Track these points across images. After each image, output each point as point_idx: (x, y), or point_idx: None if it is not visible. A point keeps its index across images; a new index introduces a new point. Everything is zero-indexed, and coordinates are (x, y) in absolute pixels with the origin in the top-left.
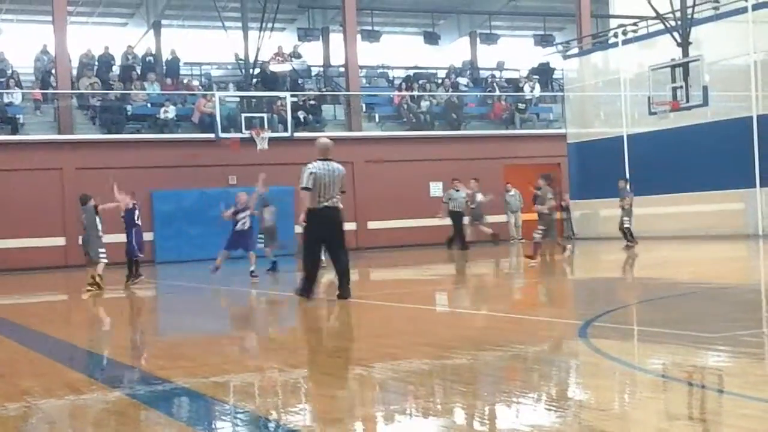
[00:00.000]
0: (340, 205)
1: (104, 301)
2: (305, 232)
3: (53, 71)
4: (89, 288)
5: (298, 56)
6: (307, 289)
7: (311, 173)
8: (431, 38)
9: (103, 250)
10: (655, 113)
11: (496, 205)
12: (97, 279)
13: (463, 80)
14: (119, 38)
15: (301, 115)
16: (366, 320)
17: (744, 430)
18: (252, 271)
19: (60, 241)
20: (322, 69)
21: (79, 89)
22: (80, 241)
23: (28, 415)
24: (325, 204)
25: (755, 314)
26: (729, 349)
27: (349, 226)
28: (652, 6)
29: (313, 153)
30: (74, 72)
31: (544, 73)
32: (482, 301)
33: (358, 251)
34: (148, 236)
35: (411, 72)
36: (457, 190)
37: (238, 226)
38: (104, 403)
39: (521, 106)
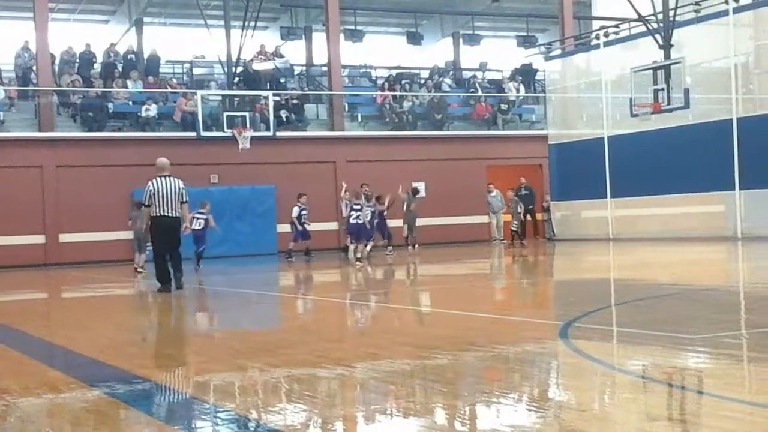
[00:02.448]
0: (179, 214)
1: (84, 300)
2: (152, 237)
3: (34, 68)
4: (139, 271)
5: (281, 55)
6: (165, 282)
7: (149, 190)
8: (414, 38)
9: (149, 244)
10: (636, 115)
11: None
12: (142, 265)
13: (446, 81)
14: (101, 36)
15: (283, 114)
16: (346, 320)
17: (723, 431)
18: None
19: (39, 239)
20: (304, 68)
21: (60, 86)
22: (132, 237)
23: (6, 413)
24: (163, 214)
25: (735, 316)
26: (709, 351)
27: (330, 225)
28: (634, 8)
29: (295, 152)
30: (55, 69)
31: (526, 75)
32: (463, 302)
33: (339, 251)
34: (128, 234)
35: (394, 72)
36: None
37: (352, 220)
38: (83, 402)
39: (504, 107)
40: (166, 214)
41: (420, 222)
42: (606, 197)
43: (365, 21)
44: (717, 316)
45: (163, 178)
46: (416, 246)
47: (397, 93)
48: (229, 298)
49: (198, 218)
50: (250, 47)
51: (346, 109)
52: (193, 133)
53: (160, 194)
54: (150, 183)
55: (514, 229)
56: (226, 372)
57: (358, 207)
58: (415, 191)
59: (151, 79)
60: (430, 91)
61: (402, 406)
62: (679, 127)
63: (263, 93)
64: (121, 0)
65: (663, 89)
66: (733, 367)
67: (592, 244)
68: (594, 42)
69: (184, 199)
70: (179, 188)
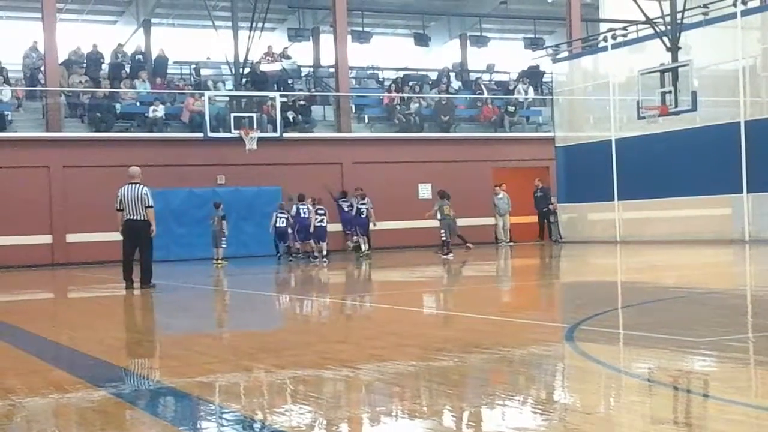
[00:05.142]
0: (144, 217)
1: (91, 300)
2: (122, 238)
3: (42, 68)
4: (219, 263)
5: (288, 57)
6: (127, 281)
7: (117, 196)
8: (421, 40)
9: (224, 239)
10: (643, 118)
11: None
12: (221, 258)
13: (456, 83)
14: (109, 36)
15: (290, 115)
16: (353, 321)
17: None
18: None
19: (47, 239)
20: (311, 69)
21: (68, 87)
22: (212, 234)
23: (12, 413)
24: (130, 218)
25: (741, 319)
26: (714, 354)
27: (337, 226)
28: (641, 10)
29: (301, 154)
30: (63, 69)
31: (533, 77)
32: (468, 303)
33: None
34: None
35: (401, 74)
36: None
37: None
38: (89, 402)
39: (511, 109)
40: (131, 217)
41: (426, 223)
42: (613, 200)
43: (373, 22)
44: (723, 319)
45: (131, 186)
46: (449, 253)
47: (405, 95)
48: (235, 299)
49: (280, 217)
50: (257, 48)
51: (353, 110)
52: (200, 134)
53: (127, 200)
54: (119, 190)
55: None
56: (231, 372)
57: (322, 211)
58: (443, 194)
59: (158, 80)
60: (440, 93)
61: (407, 408)
62: (686, 129)
63: (270, 94)
64: (129, 1)
65: (670, 92)
66: (739, 370)
67: (599, 247)
68: (601, 44)
69: (149, 204)
70: (142, 195)
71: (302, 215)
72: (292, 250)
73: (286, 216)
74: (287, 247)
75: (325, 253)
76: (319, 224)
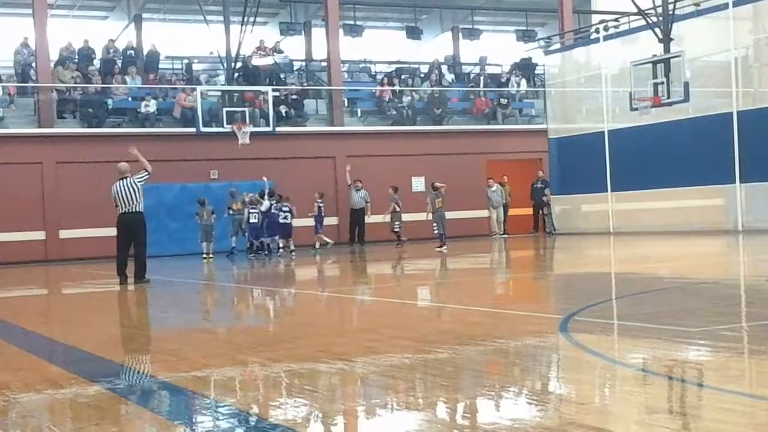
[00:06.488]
0: (137, 210)
1: (84, 296)
2: (117, 233)
3: (33, 64)
4: (210, 257)
5: (280, 51)
6: (121, 276)
7: (112, 194)
8: (413, 33)
9: (213, 233)
10: (636, 109)
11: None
12: (207, 253)
13: (449, 75)
14: (100, 32)
15: (282, 109)
16: (347, 314)
17: (723, 423)
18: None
19: (40, 235)
20: (304, 63)
21: (59, 83)
22: (203, 229)
23: (7, 409)
24: (124, 211)
25: (734, 309)
26: (708, 344)
27: (331, 221)
28: (633, 2)
29: (294, 148)
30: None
31: (526, 69)
32: (463, 295)
33: (339, 245)
34: None
35: (393, 67)
36: (358, 190)
37: (281, 219)
38: (84, 398)
39: (503, 101)
40: (125, 211)
41: (419, 216)
42: (606, 191)
43: (364, 16)
44: (717, 309)
45: (121, 181)
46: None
47: (397, 88)
48: (229, 293)
49: (253, 212)
50: (249, 43)
51: (346, 104)
52: (193, 129)
53: (119, 195)
54: (112, 188)
55: (397, 230)
56: (226, 367)
57: (287, 209)
58: (435, 187)
59: (150, 75)
60: (432, 86)
61: (402, 400)
62: (679, 120)
63: (262, 88)
64: None
65: (663, 83)
66: (733, 359)
67: (593, 238)
68: (593, 36)
69: (141, 179)
70: (133, 184)
71: (273, 211)
72: (266, 245)
73: (257, 211)
74: (260, 243)
75: (292, 248)
76: (283, 221)
